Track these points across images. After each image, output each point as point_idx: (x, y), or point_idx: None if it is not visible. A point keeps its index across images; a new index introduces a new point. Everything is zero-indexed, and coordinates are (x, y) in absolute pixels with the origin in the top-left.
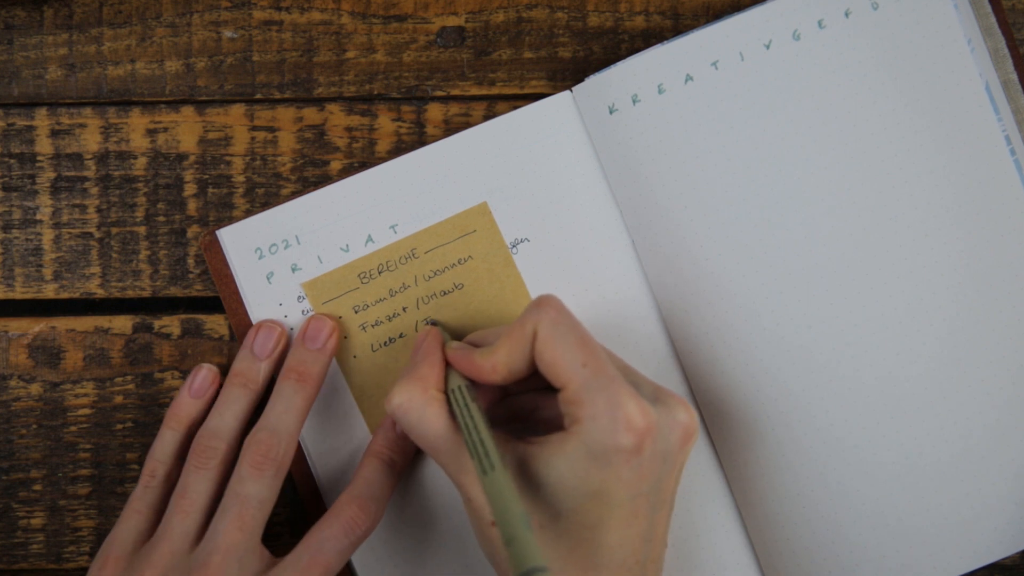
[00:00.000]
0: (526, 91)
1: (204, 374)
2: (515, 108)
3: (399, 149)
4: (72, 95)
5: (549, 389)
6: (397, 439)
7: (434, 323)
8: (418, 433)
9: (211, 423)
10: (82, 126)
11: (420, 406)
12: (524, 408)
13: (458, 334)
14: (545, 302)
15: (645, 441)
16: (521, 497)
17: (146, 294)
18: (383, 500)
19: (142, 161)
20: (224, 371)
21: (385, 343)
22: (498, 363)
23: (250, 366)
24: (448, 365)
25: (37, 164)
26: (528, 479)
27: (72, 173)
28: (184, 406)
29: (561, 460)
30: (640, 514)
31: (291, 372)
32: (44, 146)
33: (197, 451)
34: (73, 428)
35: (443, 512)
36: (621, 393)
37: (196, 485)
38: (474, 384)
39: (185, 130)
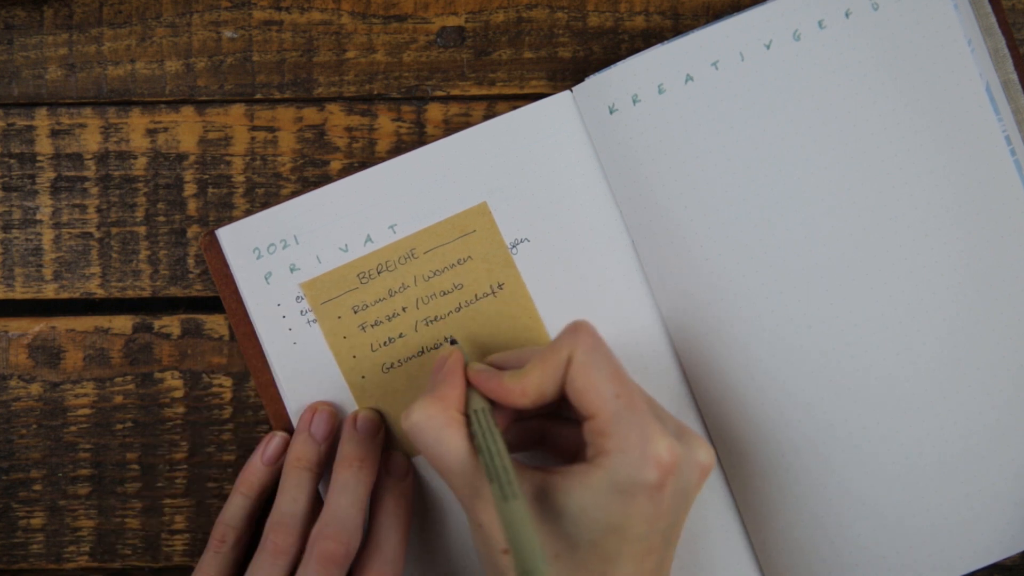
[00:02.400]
0: (526, 91)
1: (277, 442)
2: (515, 108)
3: (399, 149)
4: (72, 95)
5: (559, 417)
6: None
7: (454, 342)
8: (435, 453)
9: (286, 508)
10: (82, 126)
11: (439, 426)
12: (533, 435)
13: (477, 354)
14: (582, 328)
15: (668, 478)
16: (538, 527)
17: (146, 294)
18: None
19: (142, 161)
20: (221, 370)
21: (385, 343)
22: (528, 386)
23: (313, 449)
24: (469, 387)
25: (37, 164)
26: (546, 509)
27: (72, 173)
28: (256, 473)
29: (585, 491)
30: (654, 549)
31: (352, 459)
32: (44, 146)
33: (278, 539)
34: (73, 428)
35: (443, 518)
36: (651, 428)
37: (272, 572)
38: (492, 407)
39: (185, 130)
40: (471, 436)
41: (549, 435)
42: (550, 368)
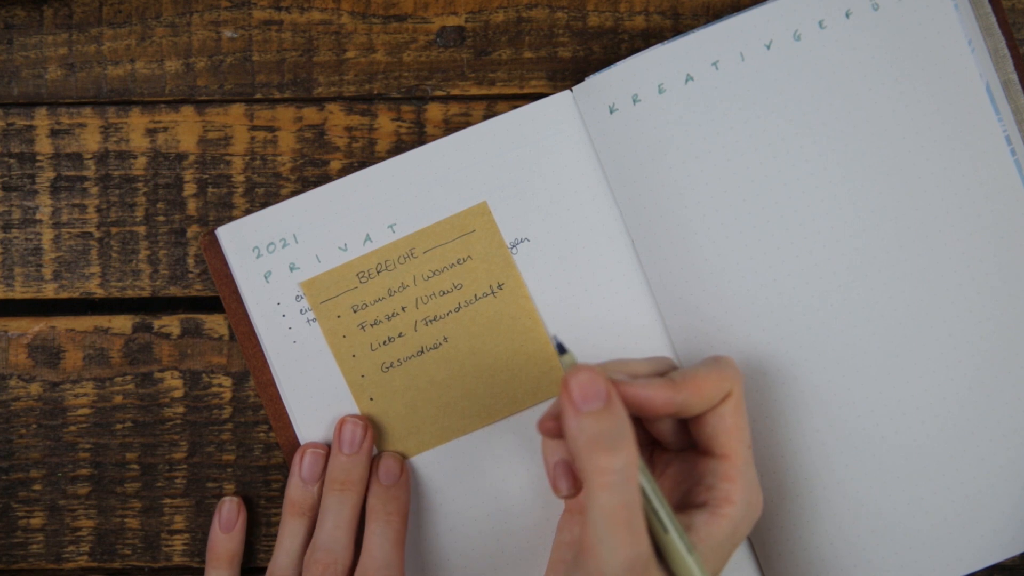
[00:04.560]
0: (526, 91)
1: (228, 507)
2: (515, 108)
3: (399, 149)
4: (72, 95)
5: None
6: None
7: (562, 348)
8: (625, 495)
9: (282, 561)
10: (82, 126)
11: (633, 474)
12: None
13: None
14: (737, 369)
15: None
16: None
17: (146, 294)
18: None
19: (142, 161)
20: (221, 370)
21: (384, 342)
22: (680, 399)
23: (304, 494)
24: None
25: (37, 164)
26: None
27: (72, 173)
28: (221, 543)
29: (708, 541)
30: None
31: (335, 483)
32: (44, 146)
33: None
34: (73, 428)
35: (441, 517)
36: (757, 482)
37: None
38: None
39: (185, 130)
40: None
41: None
42: (711, 389)
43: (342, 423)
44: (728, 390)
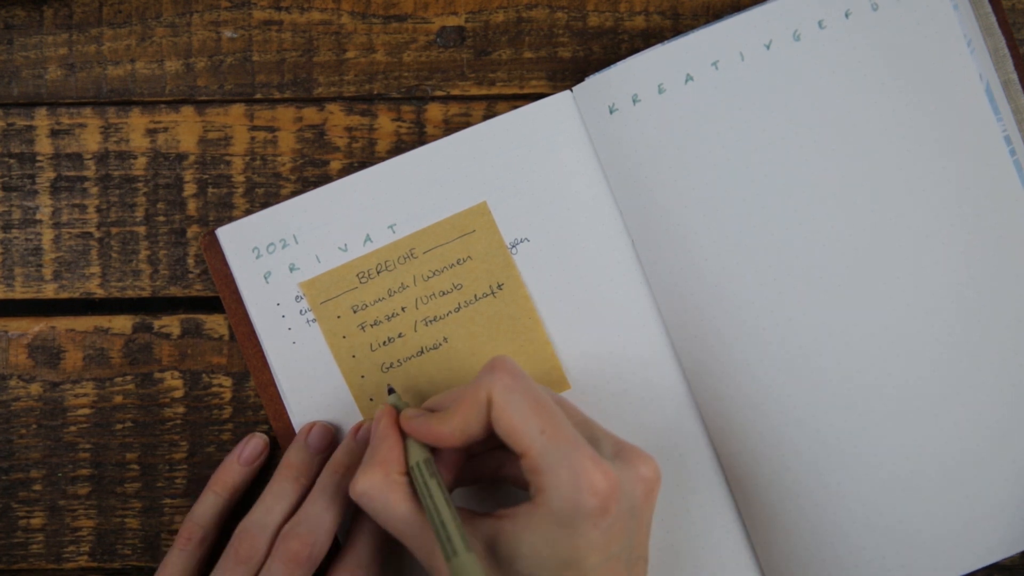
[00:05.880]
0: (526, 91)
1: (255, 443)
2: (515, 108)
3: (399, 149)
4: (72, 95)
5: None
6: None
7: (392, 391)
8: (384, 519)
9: (259, 518)
10: (82, 126)
11: (383, 492)
12: (489, 466)
13: (421, 395)
14: (498, 366)
15: (610, 502)
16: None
17: (146, 294)
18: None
19: (142, 161)
20: (221, 370)
21: (384, 343)
22: (454, 429)
23: (305, 459)
24: (407, 438)
25: (37, 164)
26: (501, 555)
27: (72, 173)
28: (232, 472)
29: (531, 532)
30: (617, 575)
31: (339, 467)
32: (44, 146)
33: (242, 546)
34: (73, 428)
35: None
36: (581, 458)
37: None
38: (435, 450)
39: (185, 130)
40: (416, 495)
41: (505, 465)
42: (471, 409)
43: (362, 422)
44: (484, 399)
